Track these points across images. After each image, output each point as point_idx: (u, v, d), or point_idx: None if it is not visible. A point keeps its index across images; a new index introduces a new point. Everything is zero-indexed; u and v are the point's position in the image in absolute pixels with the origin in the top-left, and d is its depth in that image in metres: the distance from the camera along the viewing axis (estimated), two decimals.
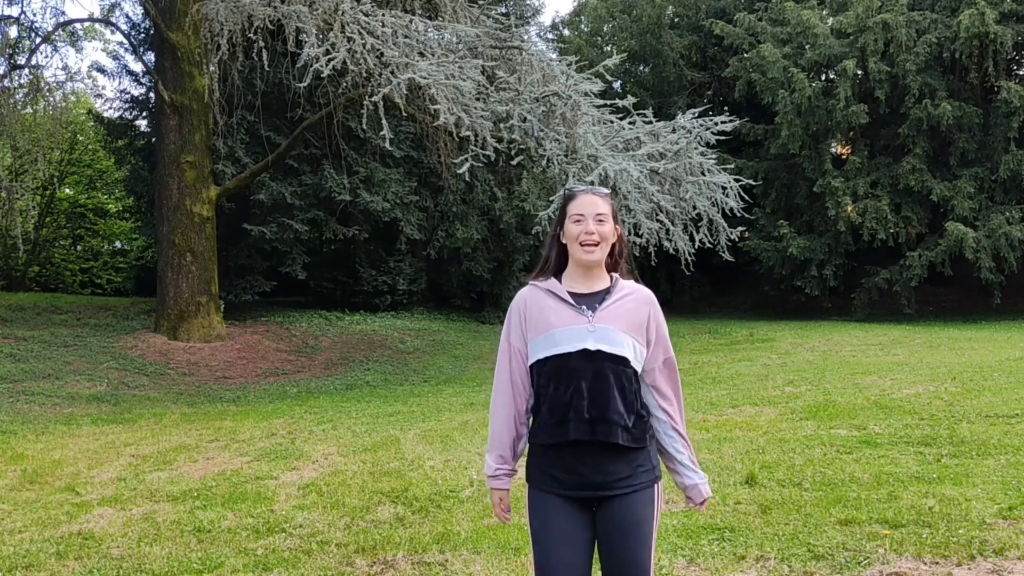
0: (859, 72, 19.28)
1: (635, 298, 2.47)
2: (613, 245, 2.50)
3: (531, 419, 2.49)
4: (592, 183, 11.09)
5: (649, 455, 2.43)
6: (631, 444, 2.37)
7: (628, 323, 2.40)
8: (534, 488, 2.45)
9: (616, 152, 11.89)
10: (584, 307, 2.42)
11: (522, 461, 2.51)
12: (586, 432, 2.32)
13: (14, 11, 15.78)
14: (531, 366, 2.45)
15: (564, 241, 2.49)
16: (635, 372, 2.41)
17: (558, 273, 2.52)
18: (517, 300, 2.52)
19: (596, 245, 2.42)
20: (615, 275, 2.51)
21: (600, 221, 2.43)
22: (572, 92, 11.56)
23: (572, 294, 2.44)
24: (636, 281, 2.53)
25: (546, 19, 34.76)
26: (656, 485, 2.41)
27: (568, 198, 2.53)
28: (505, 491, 2.53)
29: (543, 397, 2.42)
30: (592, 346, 2.35)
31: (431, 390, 11.43)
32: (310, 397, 11.02)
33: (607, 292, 2.45)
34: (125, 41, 17.92)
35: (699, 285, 23.11)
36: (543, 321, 2.42)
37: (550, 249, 2.56)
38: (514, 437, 2.48)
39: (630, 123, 12.69)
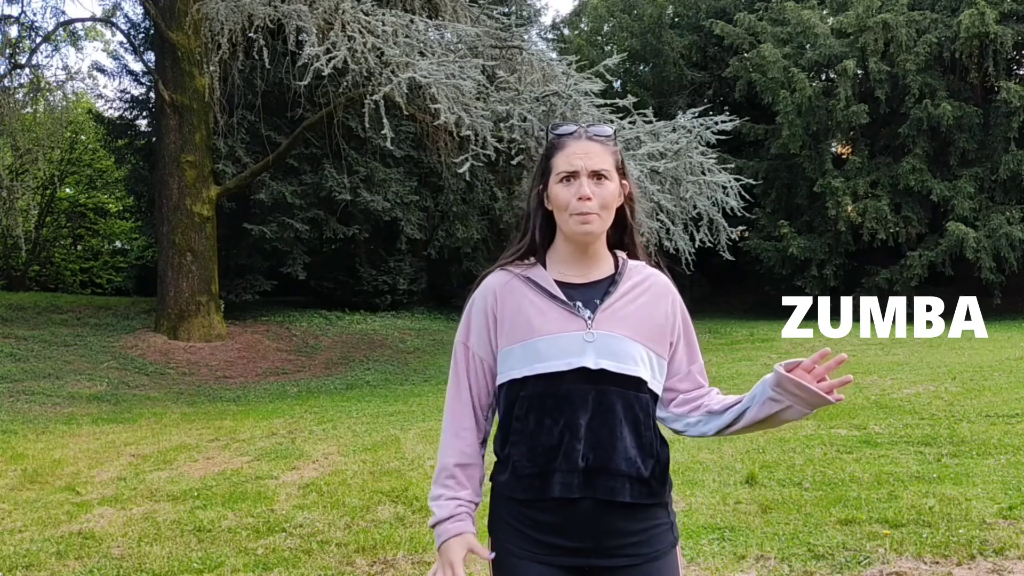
0: (859, 72, 19.29)
1: (650, 288, 1.77)
2: (619, 211, 1.79)
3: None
4: None
5: (668, 508, 1.75)
6: (645, 501, 1.69)
7: (642, 326, 1.72)
8: (500, 549, 1.77)
9: None
10: (580, 304, 1.71)
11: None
12: (578, 487, 1.65)
13: (14, 10, 15.76)
14: (498, 386, 1.75)
15: (549, 207, 1.76)
16: (653, 397, 1.74)
17: (541, 253, 1.80)
18: (483, 291, 1.78)
19: (595, 214, 1.70)
20: (621, 255, 1.82)
21: (599, 179, 1.70)
22: (572, 91, 11.57)
23: (563, 285, 1.73)
24: (651, 262, 1.85)
25: (547, 19, 34.72)
26: (677, 548, 1.76)
27: (553, 146, 1.76)
28: (469, 535, 1.76)
29: (516, 434, 1.70)
30: (593, 363, 1.66)
31: (431, 390, 11.42)
32: (310, 397, 11.02)
33: (612, 281, 1.75)
34: (125, 41, 17.98)
35: (699, 285, 23.06)
36: (521, 324, 1.70)
37: (531, 218, 1.80)
38: (480, 475, 1.79)
39: (630, 122, 12.70)
